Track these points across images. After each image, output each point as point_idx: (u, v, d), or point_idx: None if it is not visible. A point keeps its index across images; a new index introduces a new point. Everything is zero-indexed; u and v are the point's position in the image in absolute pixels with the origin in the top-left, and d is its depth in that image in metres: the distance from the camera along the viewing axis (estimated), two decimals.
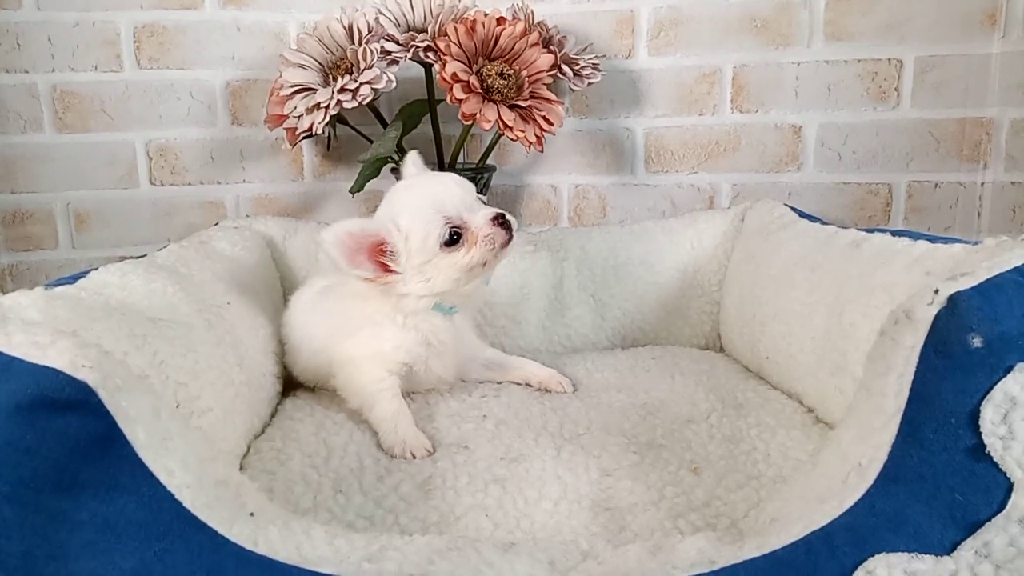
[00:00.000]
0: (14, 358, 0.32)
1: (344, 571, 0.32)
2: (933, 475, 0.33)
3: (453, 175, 0.64)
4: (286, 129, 0.85)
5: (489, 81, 0.79)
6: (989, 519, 0.32)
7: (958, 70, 0.91)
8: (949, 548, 0.32)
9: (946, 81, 0.92)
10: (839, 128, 0.96)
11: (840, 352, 0.53)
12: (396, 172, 0.93)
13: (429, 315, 0.62)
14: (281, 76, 0.82)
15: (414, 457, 0.53)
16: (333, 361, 0.62)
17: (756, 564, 0.32)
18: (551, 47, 0.85)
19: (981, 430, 0.32)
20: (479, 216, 0.59)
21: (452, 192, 0.60)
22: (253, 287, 0.70)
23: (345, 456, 0.53)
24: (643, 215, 1.02)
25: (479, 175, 0.93)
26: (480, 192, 0.93)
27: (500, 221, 0.59)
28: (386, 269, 0.59)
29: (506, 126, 0.78)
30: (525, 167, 1.05)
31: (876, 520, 0.33)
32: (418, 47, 0.82)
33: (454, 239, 0.58)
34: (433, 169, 0.90)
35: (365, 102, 0.79)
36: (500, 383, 0.69)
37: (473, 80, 0.77)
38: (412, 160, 0.68)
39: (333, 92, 0.78)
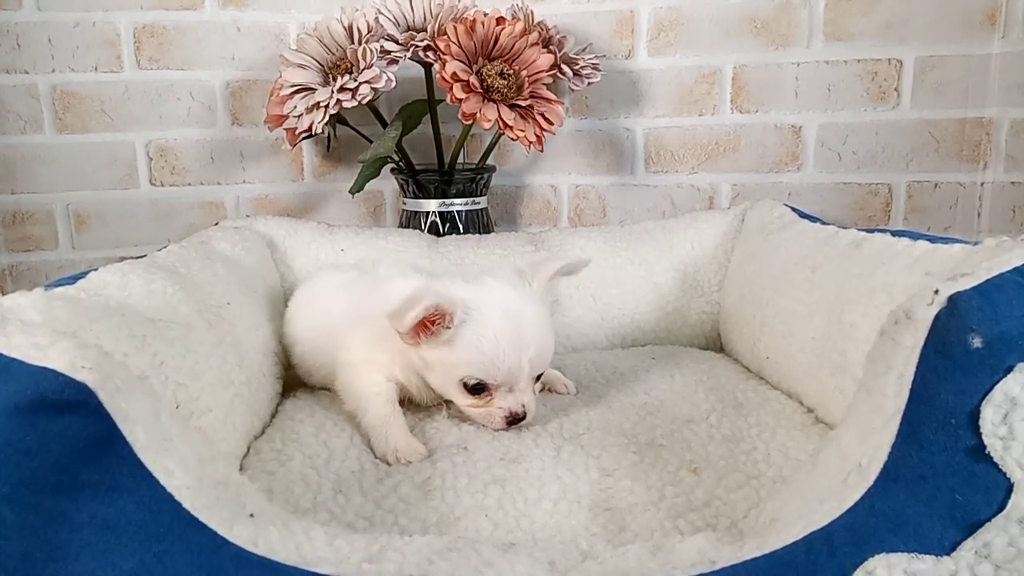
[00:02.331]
0: (13, 359, 0.32)
1: (344, 572, 0.32)
2: (933, 475, 0.33)
3: (547, 330, 0.58)
4: (286, 129, 0.86)
5: (489, 81, 0.79)
6: (989, 519, 0.32)
7: (958, 70, 0.92)
8: (949, 548, 0.32)
9: (946, 81, 0.92)
10: (839, 128, 0.96)
11: (840, 352, 0.53)
12: (396, 172, 0.93)
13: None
14: (281, 76, 0.82)
15: (409, 463, 0.52)
16: (335, 359, 0.62)
17: (756, 564, 0.32)
18: (551, 47, 0.85)
19: (981, 430, 0.32)
20: (508, 399, 0.56)
21: (521, 364, 0.55)
22: (253, 288, 0.70)
23: (346, 459, 0.53)
24: (643, 215, 1.02)
25: (479, 175, 0.93)
26: (480, 193, 0.94)
27: (511, 421, 0.56)
28: (416, 337, 0.55)
29: (506, 126, 0.78)
30: (525, 167, 1.05)
31: (876, 520, 0.33)
32: (418, 47, 0.82)
33: (475, 390, 0.56)
34: (434, 177, 0.90)
35: (365, 102, 0.79)
36: None
37: (473, 80, 0.78)
38: (550, 273, 0.60)
39: (333, 92, 0.78)
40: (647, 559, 0.33)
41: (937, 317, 0.34)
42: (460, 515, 0.45)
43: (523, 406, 0.56)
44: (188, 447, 0.35)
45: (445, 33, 0.79)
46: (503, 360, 0.55)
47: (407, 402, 0.63)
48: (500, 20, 0.80)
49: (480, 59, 0.80)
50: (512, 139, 0.80)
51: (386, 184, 1.03)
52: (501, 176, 1.03)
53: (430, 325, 0.55)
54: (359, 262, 0.75)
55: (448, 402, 0.61)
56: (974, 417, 0.32)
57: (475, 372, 0.55)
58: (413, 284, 0.58)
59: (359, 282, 0.68)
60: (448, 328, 0.54)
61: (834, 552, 0.32)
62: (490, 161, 0.96)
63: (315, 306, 0.68)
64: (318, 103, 0.78)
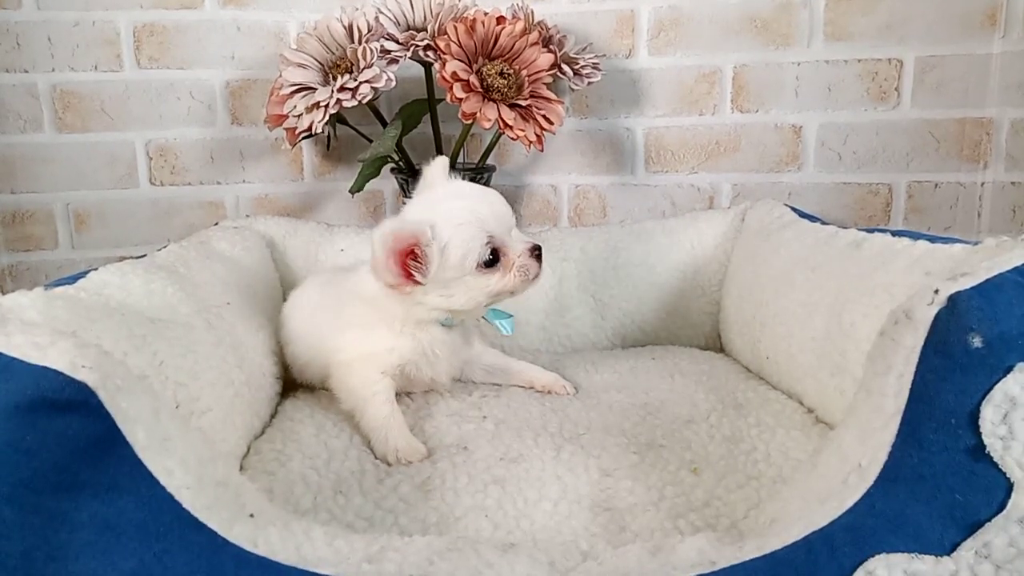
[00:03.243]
0: (14, 359, 0.32)
1: (344, 572, 0.32)
2: (933, 475, 0.33)
3: (497, 193, 0.61)
4: (286, 129, 0.85)
5: (489, 80, 0.79)
6: (989, 519, 0.32)
7: (958, 70, 0.91)
8: (949, 548, 0.32)
9: (946, 81, 0.92)
10: (839, 128, 0.96)
11: (840, 352, 0.53)
12: (396, 172, 0.93)
13: (428, 324, 0.61)
14: (281, 76, 0.82)
15: (409, 463, 0.52)
16: (329, 360, 0.62)
17: (756, 565, 0.32)
18: (551, 46, 0.85)
19: (981, 430, 0.32)
20: (518, 244, 0.58)
21: (498, 211, 0.58)
22: (253, 287, 0.70)
23: (346, 459, 0.53)
24: (643, 215, 1.02)
25: (479, 175, 0.93)
26: None
27: (536, 253, 0.58)
28: (409, 277, 0.56)
29: (506, 125, 0.78)
30: (525, 167, 1.05)
31: (876, 520, 0.33)
32: (418, 46, 0.82)
33: (493, 261, 0.57)
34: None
35: (365, 101, 0.79)
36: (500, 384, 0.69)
37: (473, 79, 0.77)
38: (441, 165, 0.64)
39: (333, 91, 0.78)
40: (647, 559, 0.33)
41: (937, 317, 0.34)
42: (460, 515, 0.46)
43: (530, 239, 0.59)
44: (188, 447, 0.35)
45: (445, 32, 0.79)
46: (487, 214, 0.57)
47: (406, 395, 0.63)
48: (500, 20, 0.80)
49: (480, 58, 0.80)
50: (512, 139, 0.80)
51: (386, 184, 1.03)
52: (501, 176, 1.03)
53: (416, 261, 0.55)
54: (350, 264, 0.76)
55: (452, 368, 0.62)
56: (974, 417, 0.32)
57: (477, 245, 0.56)
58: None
59: (335, 282, 0.68)
60: (429, 248, 0.55)
61: (834, 552, 0.32)
62: (490, 161, 0.96)
63: (303, 310, 0.68)
64: (318, 103, 0.78)
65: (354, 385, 0.59)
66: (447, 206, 0.58)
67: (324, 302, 0.67)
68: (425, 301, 0.58)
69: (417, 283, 0.56)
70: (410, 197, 0.92)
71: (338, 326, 0.62)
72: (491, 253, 0.57)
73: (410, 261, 0.55)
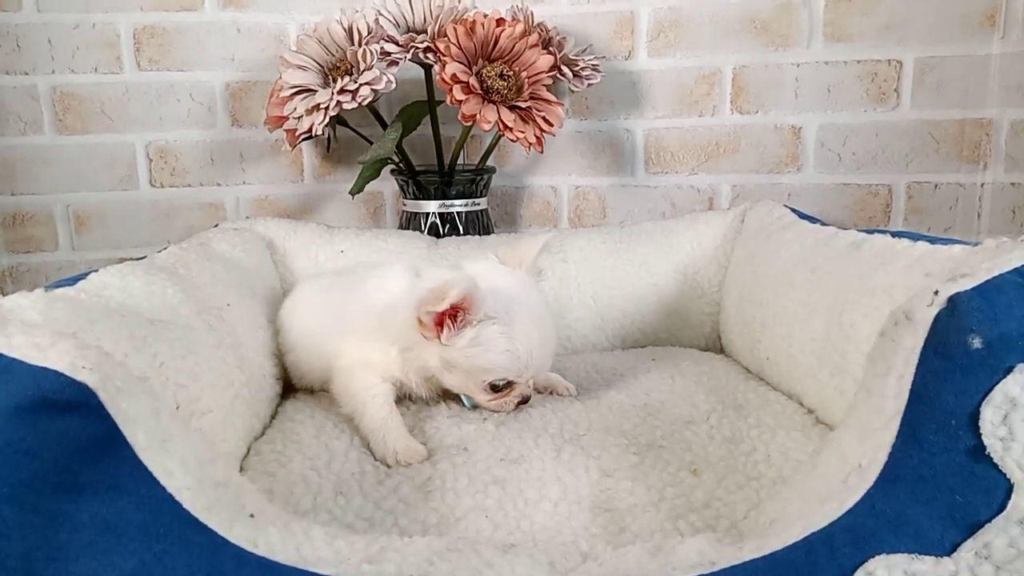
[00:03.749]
0: (14, 360, 0.32)
1: (344, 572, 0.32)
2: (933, 476, 0.33)
3: (554, 330, 0.60)
4: (286, 130, 0.86)
5: (489, 82, 0.79)
6: (989, 520, 0.32)
7: (958, 71, 0.92)
8: (949, 549, 0.32)
9: (946, 82, 0.92)
10: (839, 129, 0.96)
11: (840, 353, 0.53)
12: (396, 173, 0.93)
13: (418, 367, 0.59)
14: (281, 77, 0.82)
15: (409, 465, 0.52)
16: (330, 366, 0.62)
17: (756, 565, 0.32)
18: (551, 48, 0.86)
19: (981, 431, 0.32)
20: (521, 386, 0.58)
21: (542, 357, 0.57)
22: (253, 289, 0.70)
23: (347, 461, 0.53)
24: (643, 216, 1.02)
25: (479, 176, 0.93)
26: (480, 194, 0.94)
27: (524, 401, 0.59)
28: (438, 329, 0.54)
29: (506, 127, 0.78)
30: (525, 168, 1.05)
31: (876, 521, 0.33)
32: (418, 48, 0.82)
33: (498, 387, 0.57)
34: (434, 179, 0.90)
35: (365, 103, 0.79)
36: None
37: (473, 81, 0.78)
38: (543, 245, 0.61)
39: (333, 93, 0.78)
40: (647, 560, 0.33)
41: (937, 318, 0.34)
42: (460, 516, 0.45)
43: (528, 392, 0.59)
44: (188, 448, 0.35)
45: (445, 35, 0.79)
46: (535, 360, 0.57)
47: (406, 398, 0.63)
48: (500, 21, 0.80)
49: (480, 60, 0.80)
50: (512, 140, 0.80)
51: (386, 185, 1.03)
52: (501, 177, 1.03)
53: (454, 320, 0.54)
54: (347, 267, 0.76)
55: (446, 393, 0.61)
56: (974, 418, 0.32)
57: (507, 374, 0.56)
58: (398, 274, 0.60)
59: (339, 285, 0.68)
60: (472, 324, 0.54)
61: (834, 553, 0.32)
62: (490, 162, 0.96)
63: (301, 317, 0.68)
64: (318, 105, 0.78)
65: (354, 389, 0.59)
66: (517, 316, 0.55)
67: (325, 307, 0.67)
68: (426, 355, 0.57)
69: (437, 338, 0.55)
70: (410, 198, 0.93)
71: (339, 330, 0.62)
72: (503, 383, 0.57)
73: (449, 320, 0.54)
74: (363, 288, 0.63)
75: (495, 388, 0.57)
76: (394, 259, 0.77)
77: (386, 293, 0.61)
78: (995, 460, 0.32)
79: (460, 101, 0.77)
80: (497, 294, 0.55)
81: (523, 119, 0.80)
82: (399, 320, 0.57)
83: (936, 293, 0.34)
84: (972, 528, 0.32)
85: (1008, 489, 0.32)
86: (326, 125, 0.79)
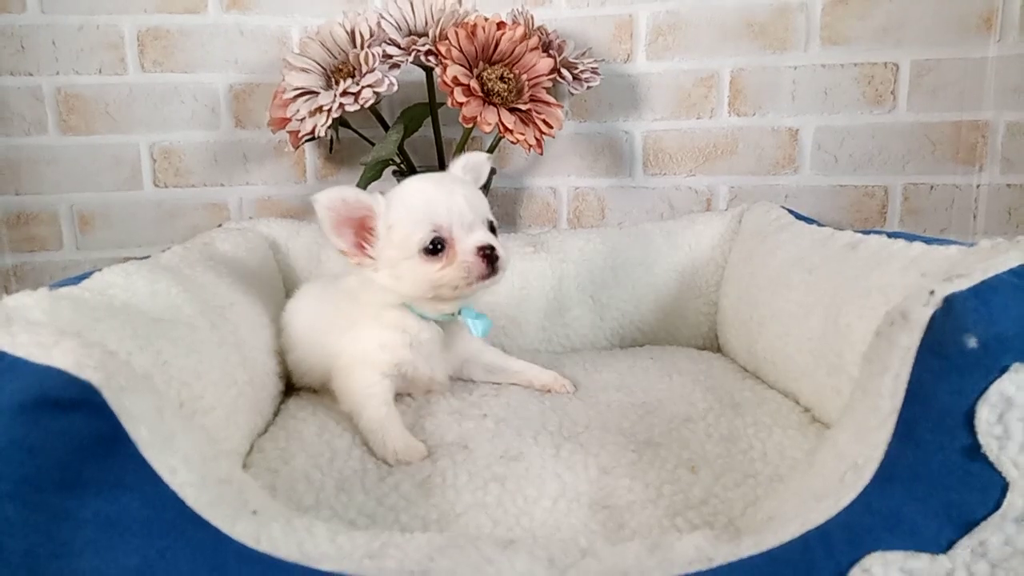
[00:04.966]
0: (19, 358, 0.32)
1: (346, 568, 0.32)
2: (929, 474, 0.33)
3: (471, 188, 0.61)
4: (289, 132, 0.86)
5: (489, 85, 0.80)
6: (985, 518, 0.32)
7: (954, 73, 0.92)
8: (945, 547, 0.32)
9: (942, 84, 0.93)
10: (836, 131, 0.97)
11: (836, 353, 0.53)
12: (398, 175, 0.94)
13: (409, 318, 0.61)
14: (284, 80, 0.83)
15: (408, 463, 0.53)
16: (330, 365, 0.62)
17: (753, 562, 0.33)
18: (551, 51, 0.86)
19: (976, 430, 0.32)
20: (470, 239, 0.56)
21: (455, 203, 0.57)
22: (256, 288, 0.71)
23: (349, 458, 0.53)
24: (641, 217, 1.02)
25: None
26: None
27: (486, 253, 0.56)
28: (363, 250, 0.59)
29: (506, 129, 0.78)
30: (525, 169, 1.05)
31: (872, 519, 0.33)
32: (419, 51, 0.83)
33: (435, 249, 0.56)
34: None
35: (367, 105, 0.80)
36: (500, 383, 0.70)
37: (474, 84, 0.78)
38: (461, 164, 0.64)
39: (335, 95, 0.78)
40: (645, 556, 0.34)
41: (933, 318, 0.34)
42: (460, 512, 0.46)
43: (484, 240, 0.57)
44: (191, 445, 0.35)
45: (446, 37, 0.79)
46: (437, 201, 0.57)
47: (407, 395, 0.63)
48: (500, 25, 0.80)
49: (481, 63, 0.81)
50: (512, 142, 0.80)
51: (388, 186, 1.03)
52: (501, 178, 1.04)
53: (367, 232, 0.58)
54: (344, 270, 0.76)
55: (447, 394, 0.62)
56: (970, 417, 0.32)
57: (421, 228, 0.56)
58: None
59: (333, 287, 0.69)
60: (377, 219, 0.57)
61: (831, 550, 0.33)
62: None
63: (301, 318, 0.69)
64: (321, 107, 0.79)
65: (353, 387, 0.59)
66: (409, 188, 0.60)
67: (322, 308, 0.67)
68: (377, 279, 0.59)
69: (368, 255, 0.58)
70: None
71: (335, 330, 0.63)
72: (433, 241, 0.56)
73: (366, 233, 0.58)
74: (343, 281, 0.66)
75: (432, 251, 0.56)
76: None
77: (350, 272, 0.63)
78: (991, 458, 0.32)
79: (461, 103, 0.77)
80: (390, 191, 0.59)
81: (523, 121, 0.81)
82: (360, 286, 0.61)
83: (932, 293, 0.34)
84: (968, 526, 0.32)
85: (1003, 487, 0.32)
86: (328, 127, 0.80)
